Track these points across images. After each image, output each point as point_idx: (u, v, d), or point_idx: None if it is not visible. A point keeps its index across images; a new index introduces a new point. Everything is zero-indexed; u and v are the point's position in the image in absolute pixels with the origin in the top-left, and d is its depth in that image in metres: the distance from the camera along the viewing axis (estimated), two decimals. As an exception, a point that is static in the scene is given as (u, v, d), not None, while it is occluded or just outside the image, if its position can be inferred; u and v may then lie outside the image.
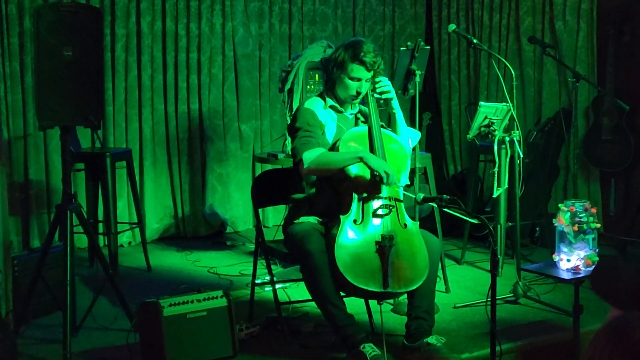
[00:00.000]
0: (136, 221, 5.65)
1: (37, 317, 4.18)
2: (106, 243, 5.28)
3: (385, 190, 3.67)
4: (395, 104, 3.95)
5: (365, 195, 3.66)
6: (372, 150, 3.74)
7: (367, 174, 3.65)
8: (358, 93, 3.83)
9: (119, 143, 6.05)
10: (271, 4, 6.67)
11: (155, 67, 6.19)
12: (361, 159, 3.63)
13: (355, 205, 3.64)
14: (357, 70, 3.79)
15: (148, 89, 6.17)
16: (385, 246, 3.51)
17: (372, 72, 3.81)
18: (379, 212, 3.64)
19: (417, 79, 4.39)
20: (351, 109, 3.97)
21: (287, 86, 5.07)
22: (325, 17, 6.93)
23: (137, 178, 5.79)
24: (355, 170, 3.67)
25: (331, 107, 3.91)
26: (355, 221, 3.61)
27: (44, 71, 3.69)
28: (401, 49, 4.48)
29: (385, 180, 3.59)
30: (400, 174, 3.80)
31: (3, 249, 3.84)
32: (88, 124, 3.83)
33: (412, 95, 4.48)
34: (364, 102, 3.93)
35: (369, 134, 3.79)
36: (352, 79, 3.80)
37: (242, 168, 6.64)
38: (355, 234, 3.58)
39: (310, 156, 3.68)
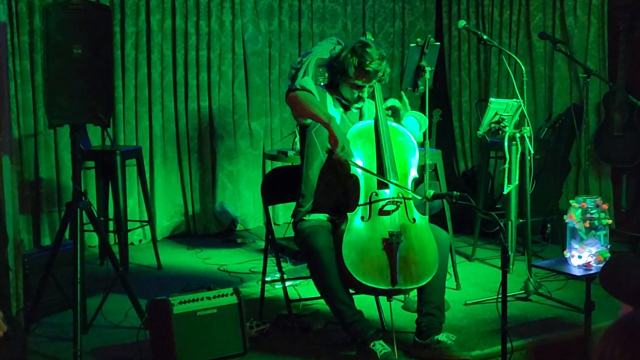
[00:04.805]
0: (146, 219, 5.66)
1: (47, 315, 4.19)
2: (116, 241, 5.28)
3: (392, 188, 3.66)
4: (401, 108, 3.93)
5: (372, 191, 3.65)
6: (378, 143, 3.73)
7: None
8: (360, 97, 3.84)
9: (129, 141, 6.06)
10: (281, 1, 6.65)
11: (165, 64, 6.19)
12: (329, 121, 3.59)
13: (362, 202, 3.63)
14: (361, 79, 3.78)
15: (158, 86, 6.17)
16: (392, 243, 3.50)
17: (375, 79, 3.80)
18: (386, 208, 3.63)
19: (427, 75, 4.38)
20: (356, 104, 3.98)
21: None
22: (334, 14, 6.91)
23: (147, 176, 5.79)
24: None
25: (337, 99, 3.91)
26: (362, 218, 3.60)
27: (53, 69, 3.69)
28: (411, 45, 4.47)
29: (337, 150, 3.54)
30: (408, 167, 3.79)
31: (14, 247, 3.85)
32: (98, 122, 3.84)
33: (422, 92, 4.47)
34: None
35: (375, 128, 3.78)
36: (356, 86, 3.81)
37: (252, 165, 6.63)
38: (362, 232, 3.57)
39: (306, 85, 3.74)
